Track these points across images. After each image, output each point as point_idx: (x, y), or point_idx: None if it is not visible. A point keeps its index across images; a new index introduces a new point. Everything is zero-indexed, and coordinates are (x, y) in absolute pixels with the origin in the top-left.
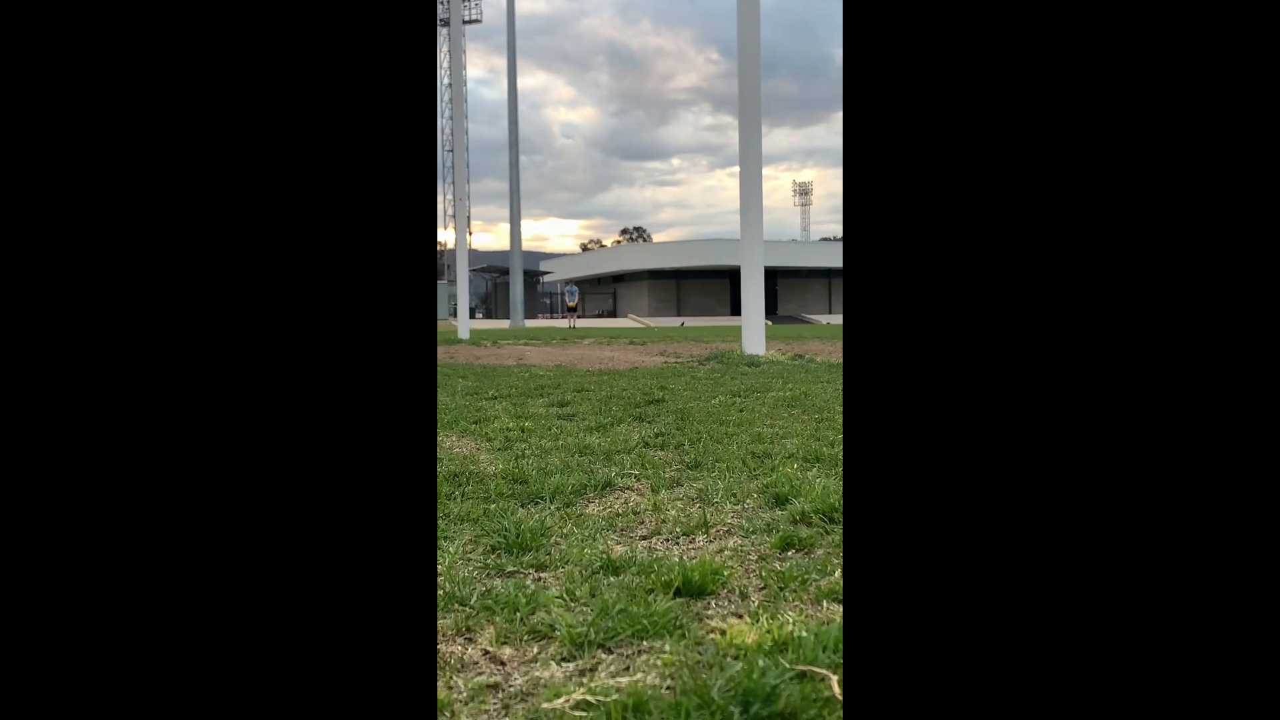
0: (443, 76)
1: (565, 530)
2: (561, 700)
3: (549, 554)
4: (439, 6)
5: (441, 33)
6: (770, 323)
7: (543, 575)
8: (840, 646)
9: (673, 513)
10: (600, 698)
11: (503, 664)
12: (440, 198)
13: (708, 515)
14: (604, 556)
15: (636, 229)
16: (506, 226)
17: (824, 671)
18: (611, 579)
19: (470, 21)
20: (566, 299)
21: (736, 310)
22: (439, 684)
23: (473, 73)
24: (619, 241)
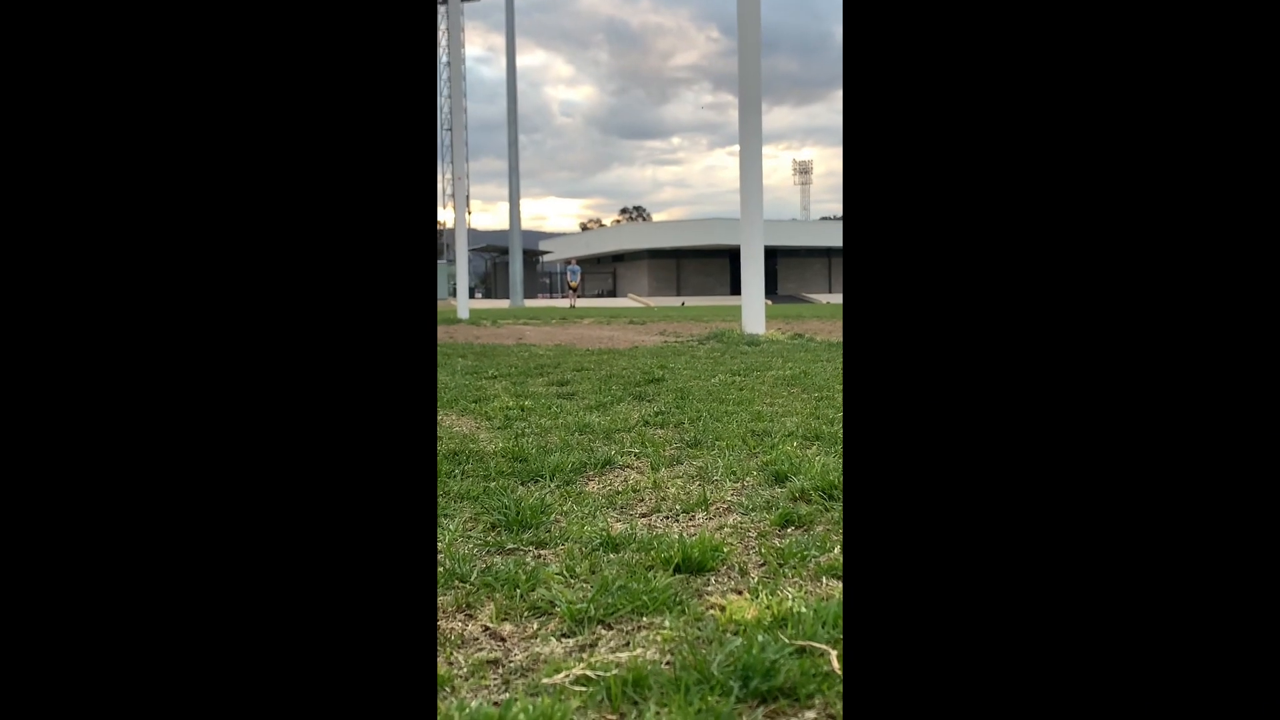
0: (441, 55)
1: (565, 508)
2: (562, 675)
3: (549, 531)
4: None
5: (440, 11)
6: (770, 302)
7: (543, 552)
8: (839, 622)
9: (673, 490)
10: (600, 673)
11: (503, 640)
12: (439, 177)
13: (707, 493)
14: (604, 534)
15: (636, 208)
16: (506, 206)
17: (823, 647)
18: (611, 556)
19: None
20: (569, 279)
21: (736, 290)
22: (440, 660)
23: (471, 51)
24: (619, 221)
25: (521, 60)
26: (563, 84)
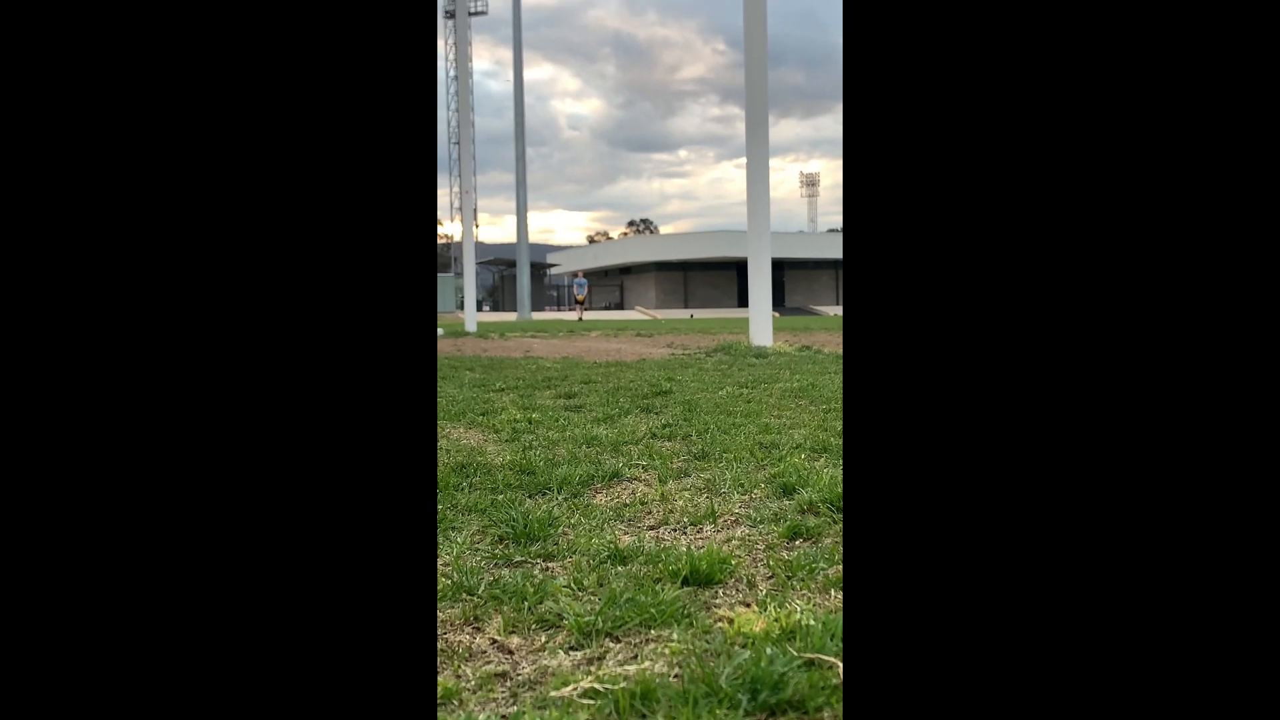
0: (449, 69)
1: (573, 520)
2: (569, 688)
3: (556, 544)
4: None
5: (447, 25)
6: (778, 314)
7: (550, 565)
8: None
9: (680, 503)
10: (608, 686)
11: (511, 653)
12: (446, 190)
13: (715, 505)
14: (612, 546)
15: (643, 221)
16: (513, 219)
17: (831, 659)
18: (619, 568)
19: (476, 14)
20: (576, 291)
21: (744, 302)
22: (447, 673)
23: (478, 65)
24: (626, 234)
25: (528, 74)
26: (570, 97)
